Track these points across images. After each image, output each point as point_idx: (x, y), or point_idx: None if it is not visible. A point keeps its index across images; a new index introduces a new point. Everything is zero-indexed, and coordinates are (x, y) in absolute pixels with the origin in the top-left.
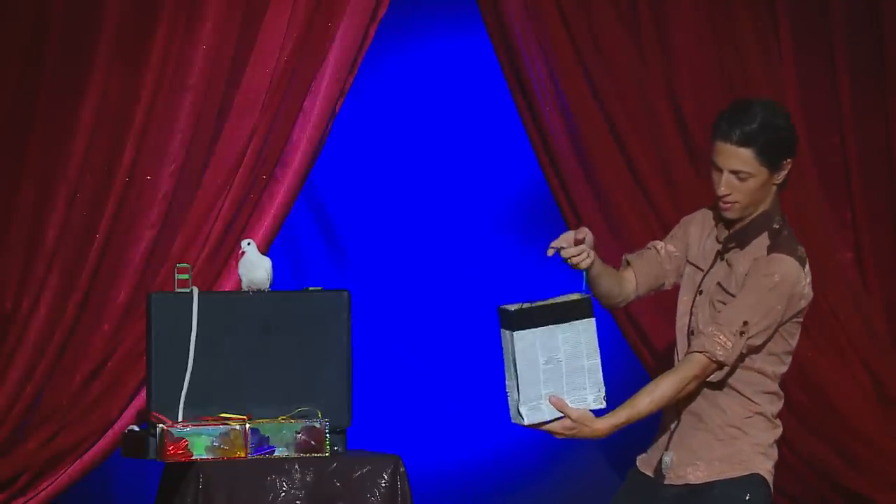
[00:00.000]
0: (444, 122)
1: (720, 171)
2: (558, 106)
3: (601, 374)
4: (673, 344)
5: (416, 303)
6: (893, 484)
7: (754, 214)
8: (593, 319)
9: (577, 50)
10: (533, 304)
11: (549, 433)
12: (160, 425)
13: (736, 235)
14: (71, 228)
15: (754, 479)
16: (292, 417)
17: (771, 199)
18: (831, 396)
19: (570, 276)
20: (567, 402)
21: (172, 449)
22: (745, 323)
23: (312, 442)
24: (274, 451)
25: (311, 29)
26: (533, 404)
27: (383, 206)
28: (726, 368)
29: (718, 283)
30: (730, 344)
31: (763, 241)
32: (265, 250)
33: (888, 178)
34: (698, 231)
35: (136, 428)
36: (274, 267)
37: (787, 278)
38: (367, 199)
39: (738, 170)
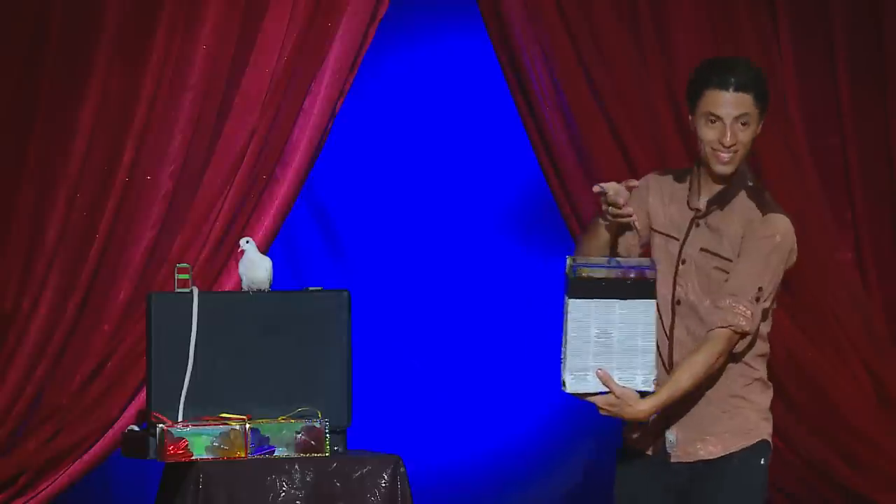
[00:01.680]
0: (444, 123)
1: (717, 120)
2: (558, 106)
3: (654, 357)
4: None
5: (416, 303)
6: (893, 484)
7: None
8: (654, 301)
9: (578, 50)
10: (594, 272)
11: (593, 405)
12: (160, 425)
13: (717, 198)
14: (71, 228)
15: (763, 445)
16: (292, 417)
17: None
18: (831, 396)
19: None
20: (615, 379)
21: (172, 449)
22: (760, 289)
23: (312, 442)
24: (274, 451)
25: (311, 29)
26: (579, 374)
27: (383, 206)
28: (749, 337)
29: (703, 249)
30: (749, 312)
31: (744, 200)
32: (265, 250)
33: (888, 178)
34: (657, 199)
35: (136, 428)
36: (274, 267)
37: (786, 237)
38: (367, 199)
39: (743, 113)
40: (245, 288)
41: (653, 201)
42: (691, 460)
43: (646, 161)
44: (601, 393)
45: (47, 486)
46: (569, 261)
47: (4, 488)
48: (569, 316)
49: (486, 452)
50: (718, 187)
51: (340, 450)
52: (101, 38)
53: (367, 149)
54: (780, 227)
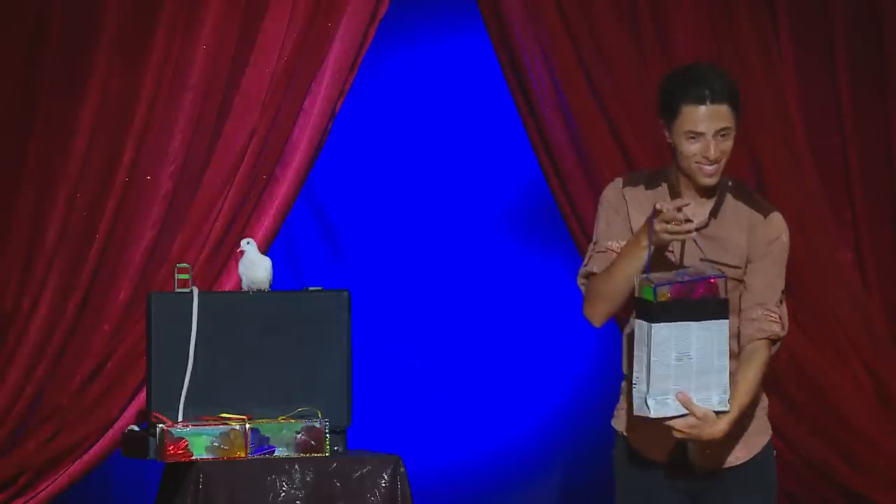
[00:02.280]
0: (445, 123)
1: (699, 135)
2: (558, 106)
3: (728, 376)
4: None
5: (416, 303)
6: (893, 484)
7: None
8: (727, 321)
9: (578, 50)
10: (664, 291)
11: (671, 428)
12: (160, 425)
13: (713, 210)
14: (71, 228)
15: (771, 440)
16: (292, 417)
17: None
18: (831, 396)
19: (571, 277)
20: (693, 400)
21: (172, 449)
22: (782, 291)
23: (312, 442)
24: (274, 451)
25: (311, 29)
26: (661, 398)
27: (383, 206)
28: (781, 341)
29: (705, 260)
30: (779, 317)
31: (733, 203)
32: (265, 250)
33: (888, 178)
34: (638, 212)
35: (136, 428)
36: (274, 267)
37: (786, 231)
38: (367, 199)
39: (724, 127)
40: (245, 288)
41: (634, 214)
42: (719, 468)
43: (646, 161)
44: (682, 415)
45: (47, 486)
46: (639, 281)
47: (4, 488)
48: (653, 341)
49: (486, 452)
50: (711, 193)
51: (340, 450)
52: (101, 38)
53: (367, 149)
54: (781, 224)
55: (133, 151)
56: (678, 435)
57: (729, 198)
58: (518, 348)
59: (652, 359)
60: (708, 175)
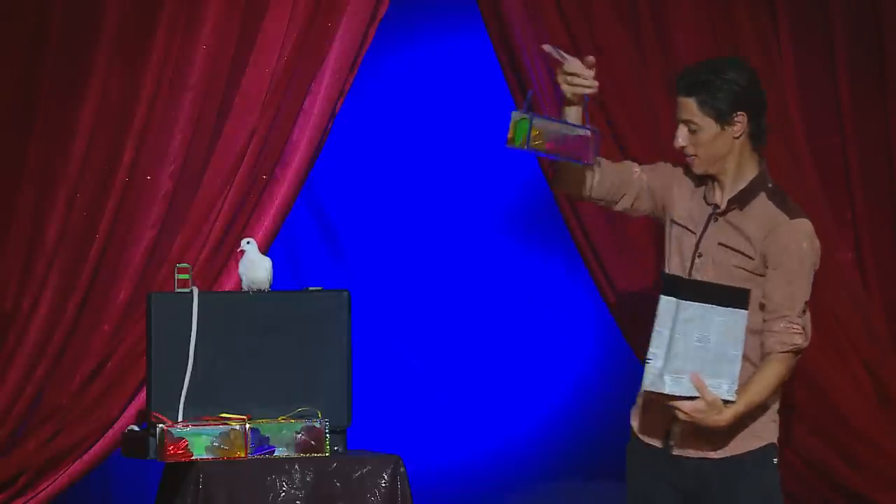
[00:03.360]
0: (445, 123)
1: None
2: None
3: (739, 367)
4: (644, 294)
5: (416, 303)
6: (893, 484)
7: (751, 178)
8: (747, 313)
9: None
10: (541, 132)
11: (676, 409)
12: (160, 425)
13: (738, 197)
14: (71, 228)
15: (771, 447)
16: (292, 417)
17: (748, 158)
18: (831, 396)
19: (571, 277)
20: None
21: (172, 449)
22: (806, 302)
23: (312, 442)
24: (274, 451)
25: (311, 29)
26: (677, 376)
27: (383, 207)
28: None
29: (722, 244)
30: (801, 328)
31: (764, 201)
32: (265, 250)
33: (888, 178)
34: (682, 191)
35: (136, 428)
36: (274, 267)
37: (813, 241)
38: (367, 199)
39: (686, 119)
40: (245, 288)
41: (677, 192)
42: (695, 457)
43: (646, 161)
44: (690, 397)
45: (47, 486)
46: (515, 115)
47: (4, 488)
48: (679, 317)
49: (486, 452)
50: (736, 185)
51: (340, 450)
52: (101, 38)
53: (367, 149)
54: (806, 231)
55: (133, 151)
56: (682, 416)
57: (762, 196)
58: (518, 348)
59: (675, 334)
60: (688, 164)
